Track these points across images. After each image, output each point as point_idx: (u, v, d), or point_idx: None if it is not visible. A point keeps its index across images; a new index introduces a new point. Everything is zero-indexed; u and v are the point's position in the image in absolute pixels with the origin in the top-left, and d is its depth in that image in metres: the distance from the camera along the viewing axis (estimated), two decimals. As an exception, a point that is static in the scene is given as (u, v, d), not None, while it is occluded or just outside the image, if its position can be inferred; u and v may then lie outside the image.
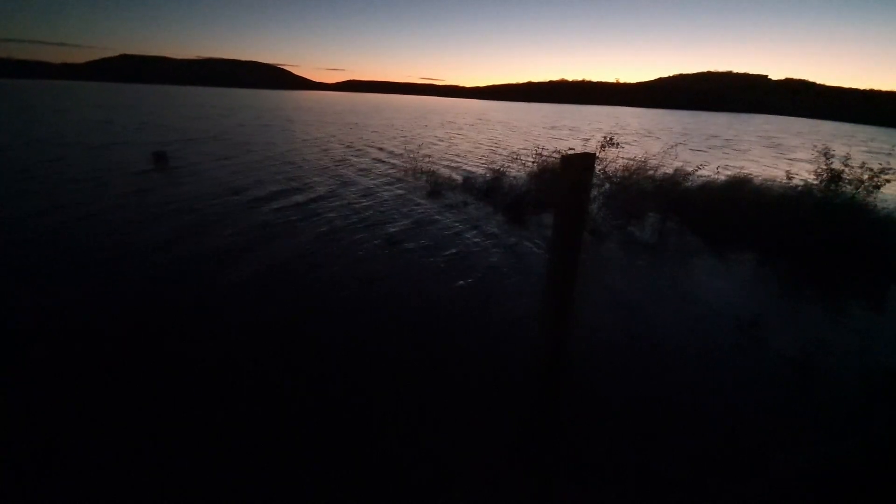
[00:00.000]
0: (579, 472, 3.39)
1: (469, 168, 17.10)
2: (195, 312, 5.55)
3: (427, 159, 18.24)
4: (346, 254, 7.69)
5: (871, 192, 9.65)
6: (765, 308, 6.40)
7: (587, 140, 12.76)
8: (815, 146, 12.10)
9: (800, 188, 10.42)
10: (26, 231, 8.01)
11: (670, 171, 11.72)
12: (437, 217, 10.18)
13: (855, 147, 36.29)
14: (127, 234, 8.08)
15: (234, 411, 3.86)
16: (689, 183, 11.40)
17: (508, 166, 13.93)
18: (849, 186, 9.78)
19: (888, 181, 9.69)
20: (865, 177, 9.73)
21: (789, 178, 11.06)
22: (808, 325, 6.00)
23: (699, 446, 3.70)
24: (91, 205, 9.75)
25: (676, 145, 23.03)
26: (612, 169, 11.13)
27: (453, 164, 18.15)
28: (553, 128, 45.02)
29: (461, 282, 6.75)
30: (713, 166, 14.73)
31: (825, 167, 10.19)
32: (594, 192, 10.26)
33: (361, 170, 16.16)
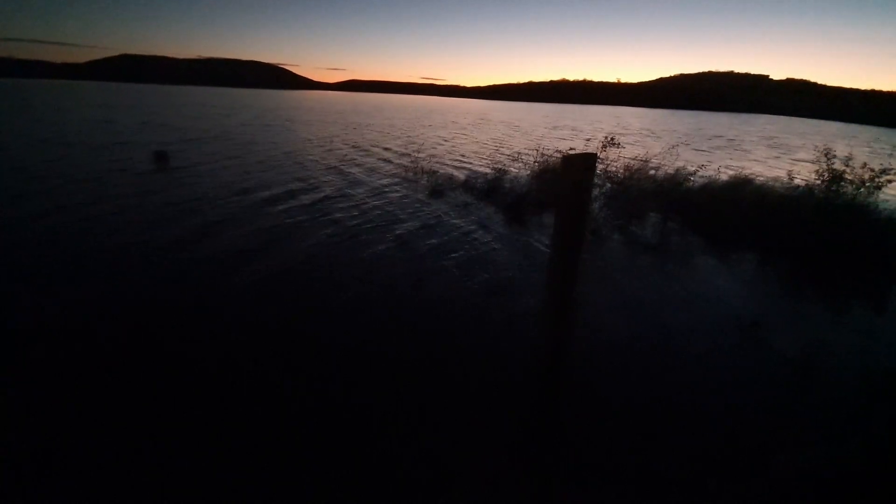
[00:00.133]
0: (579, 472, 3.39)
1: (473, 168, 17.09)
2: (195, 312, 5.55)
3: (433, 159, 18.27)
4: (347, 254, 7.69)
5: (873, 192, 9.64)
6: (765, 308, 6.39)
7: (590, 140, 12.73)
8: (817, 147, 12.09)
9: (801, 188, 10.42)
10: (27, 233, 8.02)
11: (672, 171, 11.72)
12: (441, 217, 10.18)
13: (857, 147, 36.23)
14: (127, 236, 8.09)
15: (234, 411, 3.86)
16: (691, 183, 11.40)
17: (513, 166, 13.94)
18: (850, 187, 9.77)
19: (890, 181, 9.67)
20: (867, 177, 9.72)
21: (791, 179, 11.05)
22: (808, 325, 5.99)
23: (699, 446, 3.69)
24: (92, 206, 9.74)
25: (677, 145, 23.03)
26: (614, 169, 11.13)
27: (457, 164, 18.17)
28: (555, 128, 45.01)
29: (462, 282, 6.75)
30: (715, 166, 14.73)
31: (826, 167, 10.18)
32: (595, 192, 10.26)
33: (367, 169, 16.12)
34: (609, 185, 10.96)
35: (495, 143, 27.64)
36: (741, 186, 11.24)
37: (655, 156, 12.67)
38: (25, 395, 3.98)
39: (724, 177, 12.61)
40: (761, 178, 12.38)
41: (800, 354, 5.16)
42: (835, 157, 10.33)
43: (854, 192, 9.66)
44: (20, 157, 14.99)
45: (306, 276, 6.75)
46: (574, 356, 5.01)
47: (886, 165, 9.80)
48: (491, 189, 12.34)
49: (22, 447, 3.40)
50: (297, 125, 33.96)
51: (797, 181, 10.96)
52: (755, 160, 24.90)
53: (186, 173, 13.70)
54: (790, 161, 25.27)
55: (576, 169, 4.25)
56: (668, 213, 10.59)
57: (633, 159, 11.95)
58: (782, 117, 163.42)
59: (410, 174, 15.10)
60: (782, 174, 11.88)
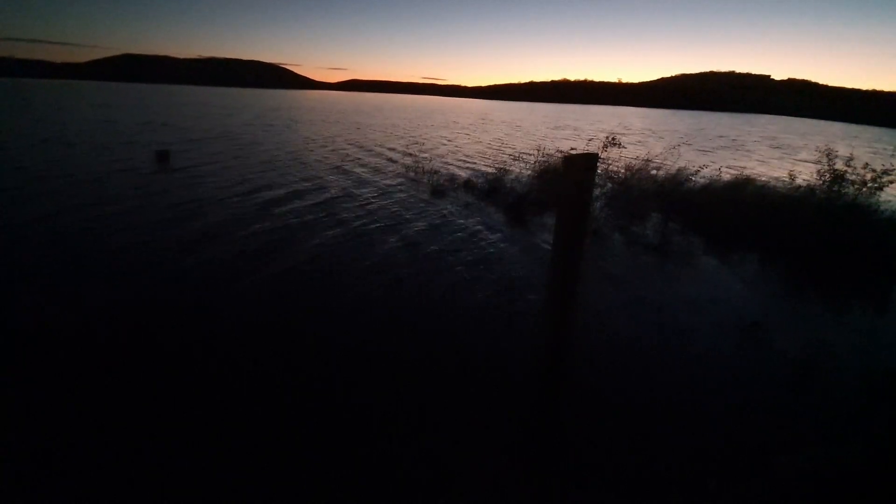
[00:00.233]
0: (579, 473, 3.38)
1: (477, 167, 17.11)
2: (195, 312, 5.55)
3: (438, 159, 18.27)
4: (349, 254, 7.69)
5: (874, 192, 9.62)
6: (766, 309, 6.38)
7: (591, 140, 12.74)
8: (818, 147, 12.07)
9: (803, 189, 10.40)
10: (28, 234, 8.03)
11: (673, 171, 11.71)
12: (445, 216, 10.21)
13: (859, 148, 36.13)
14: (130, 237, 8.10)
15: (234, 411, 3.86)
16: (693, 183, 11.39)
17: (516, 166, 13.93)
18: (852, 188, 9.75)
19: (891, 182, 9.65)
20: (868, 177, 9.70)
21: (792, 179, 11.03)
22: (809, 325, 5.98)
23: (699, 446, 3.69)
24: (94, 207, 9.73)
25: (679, 146, 22.96)
26: (615, 169, 11.12)
27: (461, 164, 18.22)
28: (556, 128, 45.00)
29: (463, 282, 6.74)
30: (718, 167, 14.70)
31: (828, 168, 10.17)
32: (597, 192, 10.24)
33: (372, 169, 16.16)
34: (610, 185, 10.94)
35: (497, 143, 27.64)
36: (742, 186, 11.22)
37: (657, 156, 12.66)
38: (26, 395, 3.99)
39: (726, 177, 12.59)
40: (763, 179, 12.36)
41: (800, 354, 5.15)
42: (836, 157, 10.31)
43: (856, 193, 9.64)
44: (23, 156, 15.01)
45: (307, 276, 6.76)
46: (574, 356, 5.00)
47: (888, 166, 9.79)
48: (494, 189, 12.35)
49: (22, 447, 3.40)
50: (299, 125, 33.98)
51: (799, 181, 10.93)
52: (758, 160, 24.88)
53: (190, 174, 13.69)
54: (793, 161, 25.24)
55: (577, 169, 4.25)
56: (670, 213, 10.58)
57: (635, 159, 11.94)
58: (784, 117, 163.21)
59: (414, 174, 15.07)
60: (785, 174, 11.84)
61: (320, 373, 4.45)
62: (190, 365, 4.48)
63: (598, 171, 9.44)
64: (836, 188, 9.88)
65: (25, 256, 6.97)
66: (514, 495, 3.18)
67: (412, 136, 28.88)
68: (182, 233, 8.31)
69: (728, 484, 3.34)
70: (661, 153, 13.39)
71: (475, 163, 18.58)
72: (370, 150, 21.45)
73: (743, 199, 10.29)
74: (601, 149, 10.68)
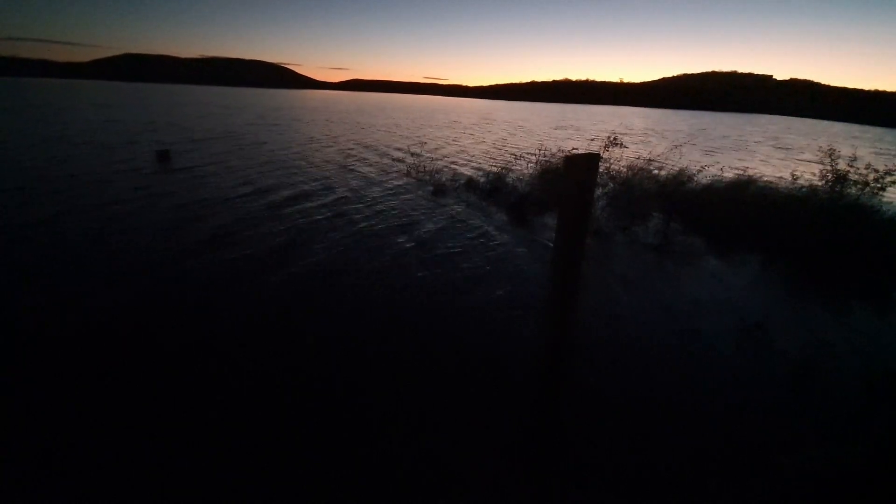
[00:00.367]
0: (579, 473, 3.38)
1: (482, 167, 17.04)
2: (196, 312, 5.55)
3: (444, 159, 18.23)
4: (351, 254, 7.69)
5: (877, 193, 9.59)
6: (768, 309, 6.36)
7: (593, 140, 12.74)
8: (821, 147, 12.03)
9: (805, 189, 10.36)
10: (28, 236, 8.04)
11: (675, 171, 11.69)
12: (451, 217, 10.19)
13: (861, 148, 36.05)
14: (135, 238, 8.12)
15: (235, 411, 3.86)
16: (695, 183, 11.36)
17: (520, 166, 13.91)
18: (854, 188, 9.73)
19: (894, 182, 9.62)
20: (871, 178, 9.67)
21: (794, 179, 11.00)
22: (811, 326, 5.96)
23: (700, 447, 3.68)
24: (95, 210, 9.74)
25: (682, 146, 22.93)
26: (617, 169, 11.09)
27: (467, 164, 18.21)
28: (559, 128, 44.94)
29: (464, 282, 6.73)
30: (722, 167, 14.68)
31: (830, 168, 10.15)
32: (599, 192, 10.22)
33: (379, 170, 16.13)
34: (612, 184, 10.92)
35: (501, 142, 27.60)
36: (745, 186, 11.19)
37: (659, 155, 12.64)
38: (26, 395, 3.99)
39: (728, 177, 12.56)
40: (766, 179, 12.31)
41: (802, 355, 5.14)
42: (838, 158, 10.29)
43: (858, 193, 9.62)
44: (24, 156, 15.01)
45: (308, 276, 6.75)
46: (574, 356, 4.99)
47: (891, 166, 9.75)
48: (499, 188, 12.33)
49: (22, 447, 3.41)
50: (302, 125, 33.96)
51: (801, 182, 10.90)
52: (762, 160, 24.80)
53: (193, 174, 13.67)
54: (796, 161, 25.17)
55: (579, 169, 4.25)
56: (672, 213, 10.56)
57: (637, 159, 11.92)
58: (786, 117, 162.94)
59: (420, 174, 15.00)
60: (788, 175, 11.81)
61: (320, 373, 4.45)
62: (190, 365, 4.49)
63: (600, 171, 9.43)
64: (838, 188, 9.86)
65: (26, 257, 6.98)
66: (514, 495, 3.18)
67: (416, 136, 28.85)
68: (183, 234, 8.31)
69: (728, 484, 3.33)
70: (662, 153, 13.39)
71: (480, 163, 18.51)
72: (375, 150, 21.46)
73: (745, 199, 10.26)
74: (602, 149, 10.67)
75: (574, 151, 7.30)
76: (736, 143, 35.94)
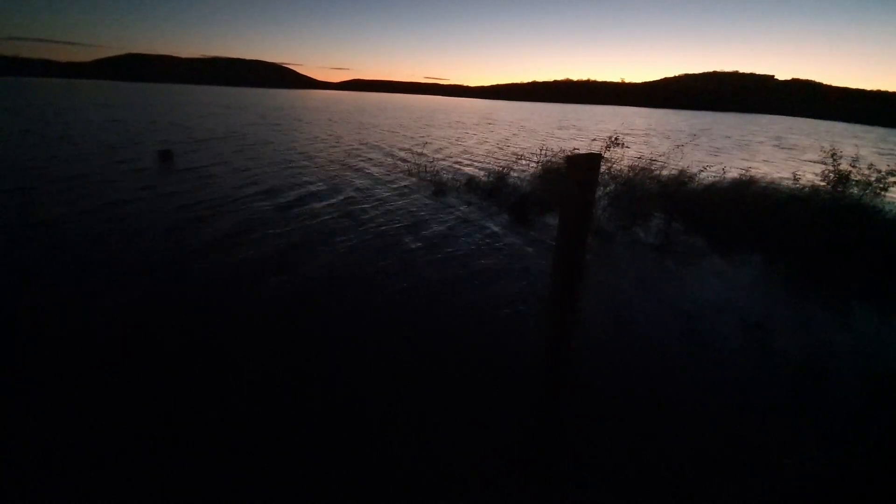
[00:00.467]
0: (579, 473, 3.37)
1: (485, 167, 17.01)
2: (195, 313, 5.55)
3: (450, 159, 18.21)
4: (346, 252, 7.68)
5: (879, 193, 9.58)
6: (770, 310, 6.34)
7: (597, 140, 12.78)
8: (823, 148, 12.01)
9: (807, 189, 10.34)
10: (29, 237, 8.05)
11: (676, 171, 11.68)
12: (457, 216, 10.18)
13: (864, 148, 35.99)
14: (141, 239, 8.12)
15: (235, 411, 3.86)
16: (696, 183, 11.35)
17: (524, 166, 13.91)
18: (856, 188, 9.71)
19: (896, 183, 9.61)
20: (873, 178, 9.66)
21: (796, 179, 10.99)
22: (813, 326, 5.94)
23: (700, 447, 3.67)
24: (97, 211, 9.74)
25: (683, 146, 22.90)
26: (619, 169, 11.08)
27: (472, 164, 18.22)
28: (561, 128, 44.93)
29: (465, 282, 6.73)
30: (722, 167, 14.66)
31: (833, 169, 10.13)
32: (600, 192, 10.20)
33: (384, 170, 16.05)
34: (614, 185, 10.91)
35: (504, 143, 27.56)
36: (746, 186, 11.17)
37: (661, 155, 12.62)
38: (26, 395, 3.99)
39: (730, 177, 12.53)
40: (768, 179, 12.28)
41: (803, 355, 5.12)
42: (841, 157, 10.27)
43: (860, 194, 9.60)
44: (31, 157, 14.98)
45: (307, 277, 6.75)
46: (575, 355, 4.98)
47: (894, 166, 9.73)
48: (501, 188, 12.31)
49: (22, 447, 3.40)
50: (304, 125, 33.98)
51: (803, 182, 10.88)
52: (764, 160, 24.75)
53: (198, 174, 13.64)
54: (799, 161, 25.12)
55: (580, 169, 4.24)
56: (673, 213, 10.55)
57: (638, 159, 11.91)
58: (788, 118, 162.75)
59: (425, 174, 14.93)
60: (790, 175, 11.79)
61: (320, 373, 4.44)
62: (190, 365, 4.48)
63: (602, 171, 9.42)
64: (840, 189, 9.84)
65: (27, 257, 6.98)
66: (514, 495, 3.17)
67: (419, 136, 28.85)
68: (184, 234, 8.31)
69: (728, 484, 3.32)
70: (664, 153, 13.36)
71: (484, 163, 18.43)
72: (381, 150, 21.48)
73: (746, 199, 10.24)
74: (604, 149, 10.66)
75: (575, 151, 7.29)
76: (738, 144, 35.90)
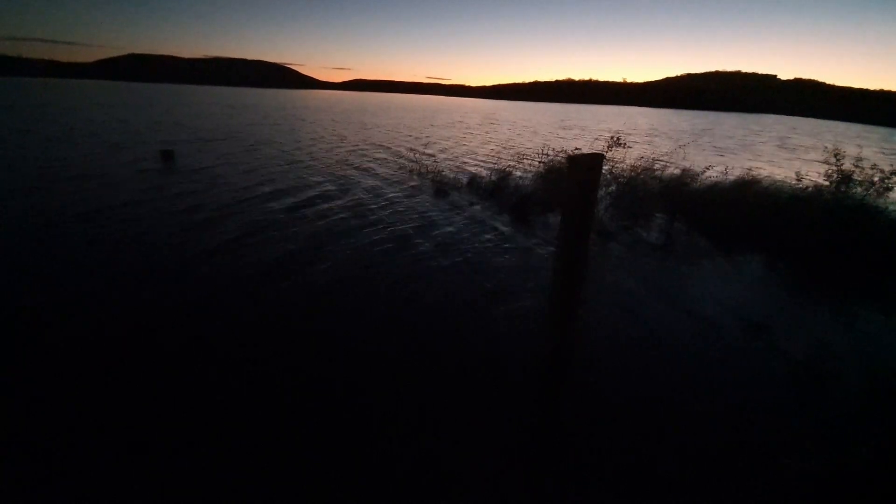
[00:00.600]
0: (579, 473, 3.36)
1: (493, 167, 16.92)
2: (196, 312, 5.55)
3: (455, 160, 18.19)
4: (347, 252, 7.68)
5: (882, 193, 9.53)
6: (771, 310, 6.32)
7: (600, 140, 12.76)
8: (826, 147, 11.97)
9: (810, 189, 10.30)
10: (30, 238, 8.07)
11: (679, 171, 11.64)
12: (462, 217, 10.19)
13: (868, 148, 35.87)
14: (129, 237, 8.13)
15: (235, 411, 3.85)
16: (698, 184, 11.31)
17: (531, 167, 13.90)
18: (859, 188, 9.67)
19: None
20: (876, 178, 9.62)
21: (799, 179, 10.95)
22: (815, 327, 5.92)
23: (701, 447, 3.65)
24: (98, 211, 9.75)
25: (686, 146, 22.87)
26: (621, 169, 11.05)
27: (476, 164, 18.25)
28: (564, 127, 44.86)
29: (466, 282, 6.72)
30: (725, 167, 14.60)
31: (836, 169, 10.09)
32: (602, 193, 10.18)
33: (390, 171, 16.02)
34: (615, 185, 10.88)
35: (507, 143, 27.50)
36: (749, 186, 11.13)
37: (663, 155, 12.60)
38: (26, 394, 3.99)
39: (732, 177, 12.48)
40: (771, 179, 12.23)
41: (805, 356, 5.10)
42: (844, 158, 10.22)
43: (863, 194, 9.55)
44: (34, 157, 15.02)
45: (309, 276, 6.75)
46: (576, 356, 4.97)
47: None
48: (504, 188, 12.29)
49: (22, 447, 3.41)
50: (307, 125, 33.99)
51: (806, 182, 10.84)
52: (769, 161, 24.66)
53: (200, 174, 13.63)
54: (802, 161, 25.03)
55: (582, 169, 4.22)
56: (675, 213, 10.52)
57: (641, 159, 11.87)
58: (790, 117, 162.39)
59: (430, 174, 14.95)
60: (794, 174, 11.73)
61: (320, 372, 4.44)
62: (190, 365, 4.48)
63: (604, 171, 9.39)
64: (843, 189, 9.80)
65: (28, 257, 7.00)
66: (514, 496, 3.16)
67: (423, 137, 28.82)
68: (184, 234, 8.32)
69: (728, 484, 3.31)
70: (666, 153, 13.33)
71: (489, 163, 18.25)
72: (387, 149, 21.48)
73: (749, 199, 10.21)
74: (606, 149, 10.63)
75: (576, 151, 7.28)
76: (741, 143, 35.81)
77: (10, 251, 7.12)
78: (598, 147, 11.11)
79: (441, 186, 13.04)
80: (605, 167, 9.90)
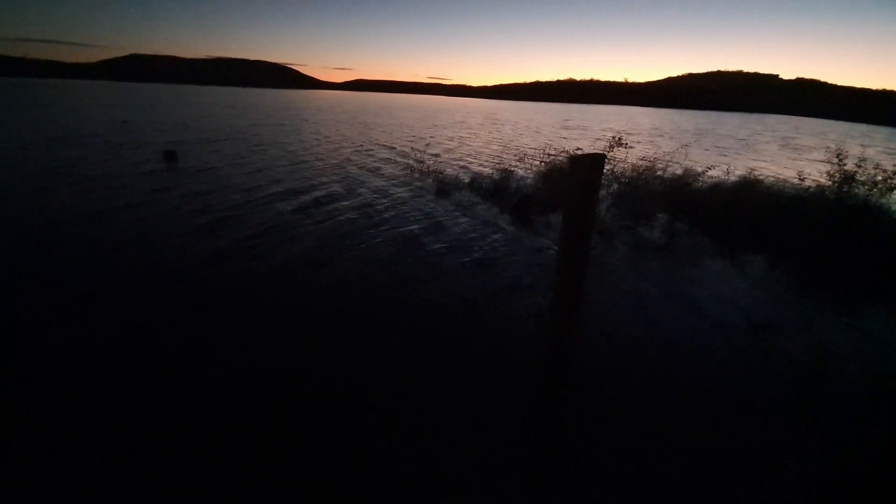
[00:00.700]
0: (579, 473, 3.35)
1: (493, 167, 16.93)
2: (195, 312, 5.55)
3: (463, 159, 18.21)
4: (349, 251, 7.68)
5: (885, 193, 9.51)
6: (772, 310, 6.30)
7: (601, 140, 12.76)
8: (829, 147, 11.94)
9: (813, 189, 10.28)
10: (31, 239, 8.08)
11: (680, 171, 11.62)
12: (470, 217, 10.18)
13: (871, 148, 35.76)
14: (130, 238, 8.14)
15: (235, 411, 3.85)
16: (700, 183, 11.29)
17: (534, 167, 13.90)
18: (862, 188, 9.64)
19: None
20: (879, 178, 9.59)
21: (801, 180, 10.93)
22: (818, 328, 5.89)
23: (701, 447, 3.64)
24: (99, 212, 9.78)
25: (688, 145, 22.81)
26: (622, 169, 11.03)
27: (481, 164, 18.25)
28: (566, 127, 44.82)
29: (466, 282, 6.71)
30: (728, 167, 14.58)
31: (839, 168, 10.07)
32: (603, 193, 10.16)
33: (393, 172, 15.96)
34: (617, 185, 10.86)
35: (510, 143, 27.48)
36: (751, 186, 11.10)
37: (665, 155, 12.56)
38: (26, 394, 4.00)
39: (734, 177, 12.45)
40: (774, 179, 12.21)
41: (807, 356, 5.08)
42: (847, 157, 10.20)
43: (866, 194, 9.53)
44: (36, 157, 15.04)
45: (308, 277, 6.74)
46: (576, 355, 4.96)
47: None
48: (506, 188, 12.28)
49: (22, 447, 3.41)
50: (310, 125, 34.01)
51: (808, 182, 10.82)
52: (773, 161, 24.59)
53: (203, 174, 13.64)
54: (805, 161, 24.95)
55: (583, 169, 4.21)
56: (677, 213, 10.50)
57: (642, 159, 11.84)
58: (792, 117, 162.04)
59: (433, 174, 14.90)
60: (800, 174, 11.70)
61: (320, 373, 4.43)
62: (190, 365, 4.48)
63: (606, 171, 9.37)
64: (845, 189, 9.77)
65: (29, 257, 7.01)
66: (514, 496, 3.15)
67: (426, 137, 28.80)
68: (185, 234, 8.33)
69: (728, 484, 3.29)
70: (669, 153, 13.29)
71: (493, 163, 18.19)
72: (391, 149, 21.47)
73: (751, 198, 10.18)
74: (607, 149, 10.61)
75: (578, 151, 7.26)
76: (743, 143, 35.72)
77: (10, 251, 7.14)
78: (600, 147, 11.10)
79: (445, 186, 13.03)
80: (606, 167, 9.89)
